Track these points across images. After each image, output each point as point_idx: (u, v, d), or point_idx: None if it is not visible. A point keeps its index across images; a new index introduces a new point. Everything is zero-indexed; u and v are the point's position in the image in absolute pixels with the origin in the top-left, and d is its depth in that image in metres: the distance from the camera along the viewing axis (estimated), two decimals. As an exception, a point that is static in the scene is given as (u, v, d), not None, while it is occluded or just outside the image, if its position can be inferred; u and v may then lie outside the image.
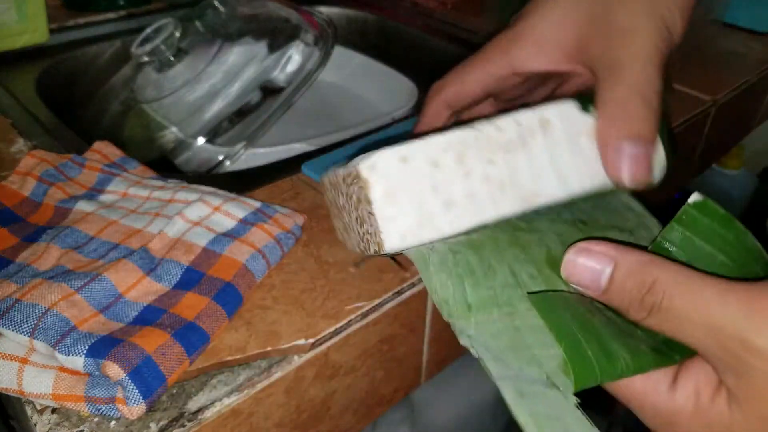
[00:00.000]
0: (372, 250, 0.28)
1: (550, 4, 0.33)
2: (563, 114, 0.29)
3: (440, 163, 0.27)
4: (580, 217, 0.32)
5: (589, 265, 0.26)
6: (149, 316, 0.31)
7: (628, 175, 0.29)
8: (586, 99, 0.30)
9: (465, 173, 0.27)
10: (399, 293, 0.35)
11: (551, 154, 0.28)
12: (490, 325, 0.28)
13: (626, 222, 0.33)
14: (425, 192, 0.27)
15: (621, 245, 0.26)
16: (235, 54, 0.59)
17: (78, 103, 0.65)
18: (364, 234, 0.29)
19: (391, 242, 0.27)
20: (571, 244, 0.27)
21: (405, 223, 0.27)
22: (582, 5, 0.32)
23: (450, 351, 0.42)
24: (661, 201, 0.65)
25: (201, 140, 0.54)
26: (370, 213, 0.27)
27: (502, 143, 0.28)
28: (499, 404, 0.79)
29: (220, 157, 0.54)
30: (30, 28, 0.62)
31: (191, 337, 0.30)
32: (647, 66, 0.29)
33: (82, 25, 0.70)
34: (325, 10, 0.81)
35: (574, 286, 0.28)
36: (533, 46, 0.33)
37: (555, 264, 0.29)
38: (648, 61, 0.29)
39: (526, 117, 0.28)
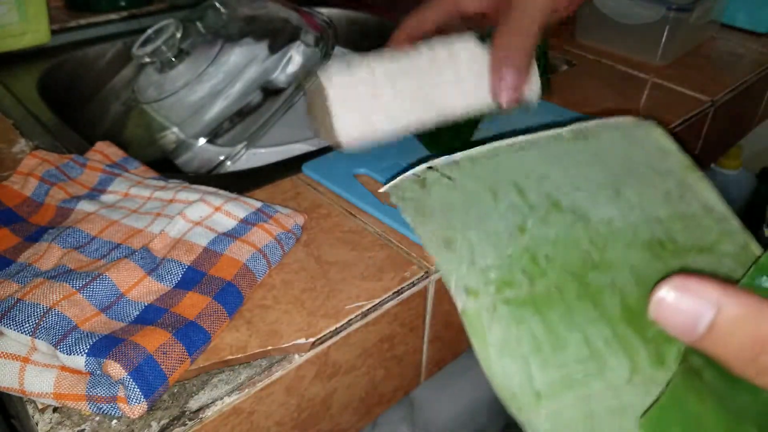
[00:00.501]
0: (333, 141, 0.38)
1: None
2: (467, 45, 0.37)
3: (375, 78, 0.36)
4: (658, 236, 0.28)
5: (684, 308, 0.21)
6: (150, 316, 0.31)
7: (505, 97, 0.38)
8: (487, 35, 0.38)
9: (393, 87, 0.36)
10: (399, 293, 0.35)
11: (456, 75, 0.37)
12: (564, 415, 0.24)
13: (709, 234, 0.29)
14: (365, 101, 0.36)
15: (725, 283, 0.21)
16: (235, 55, 0.59)
17: (79, 104, 0.66)
18: (323, 129, 0.38)
19: (343, 139, 0.37)
20: (657, 282, 0.22)
21: (352, 129, 0.37)
22: None
23: (449, 350, 0.42)
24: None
25: (202, 141, 0.55)
26: (329, 114, 0.36)
27: (420, 65, 0.36)
28: (498, 404, 0.79)
29: (221, 158, 0.54)
30: (31, 29, 0.62)
31: (192, 336, 0.30)
32: (531, 22, 0.38)
33: (83, 25, 0.70)
34: (325, 11, 0.81)
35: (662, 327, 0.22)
36: None
37: (632, 319, 0.25)
38: (532, 19, 0.38)
39: (438, 46, 0.37)
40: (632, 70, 0.65)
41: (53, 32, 0.66)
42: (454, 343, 0.42)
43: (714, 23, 0.76)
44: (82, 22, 0.70)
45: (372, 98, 0.36)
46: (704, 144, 0.64)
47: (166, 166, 0.55)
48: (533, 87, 0.39)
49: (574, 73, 0.65)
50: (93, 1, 0.72)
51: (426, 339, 0.39)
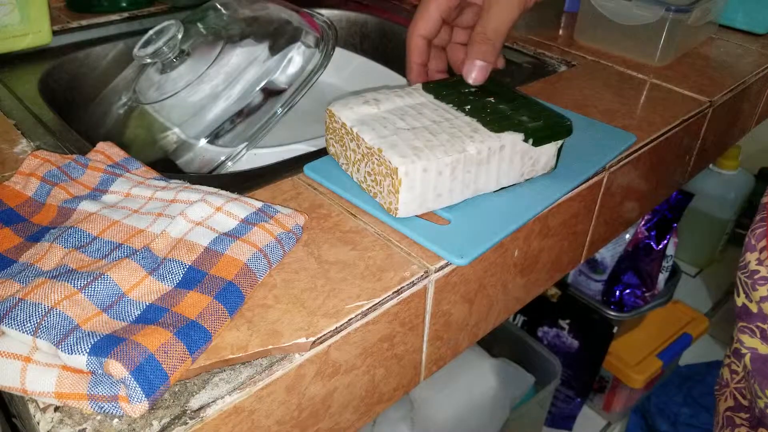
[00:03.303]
0: (385, 206, 0.41)
1: None
2: (513, 141, 0.41)
3: (442, 173, 0.39)
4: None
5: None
6: (152, 315, 0.31)
7: (473, 78, 0.46)
8: (528, 133, 0.42)
9: (453, 178, 0.40)
10: (399, 292, 0.35)
11: (498, 165, 0.41)
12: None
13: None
14: (429, 190, 0.39)
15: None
16: (236, 56, 0.59)
17: (81, 105, 0.66)
18: (376, 185, 0.40)
19: (401, 213, 0.39)
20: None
21: (411, 206, 0.39)
22: None
23: (449, 349, 0.43)
24: (660, 200, 0.65)
25: (203, 141, 0.55)
26: (394, 191, 0.39)
27: (478, 160, 0.40)
28: (497, 402, 0.80)
29: (222, 158, 0.54)
30: (33, 30, 0.63)
31: (193, 335, 0.30)
32: (504, 19, 0.45)
33: (85, 26, 0.70)
34: (325, 12, 0.81)
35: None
36: None
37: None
38: (506, 16, 0.45)
39: (493, 143, 0.40)
40: (631, 71, 0.66)
41: (55, 33, 0.67)
42: (453, 343, 0.43)
43: (712, 24, 0.76)
44: (84, 23, 0.70)
45: (434, 187, 0.39)
46: (702, 144, 0.64)
47: (168, 166, 0.56)
48: (549, 163, 0.45)
49: (572, 74, 0.65)
50: (94, 2, 0.72)
51: (426, 338, 0.40)
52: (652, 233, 0.98)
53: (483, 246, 0.38)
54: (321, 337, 0.32)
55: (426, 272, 0.37)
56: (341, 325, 0.33)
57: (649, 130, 0.54)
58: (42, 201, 0.40)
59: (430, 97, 0.45)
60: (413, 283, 0.36)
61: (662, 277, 1.04)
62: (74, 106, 0.66)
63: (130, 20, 0.72)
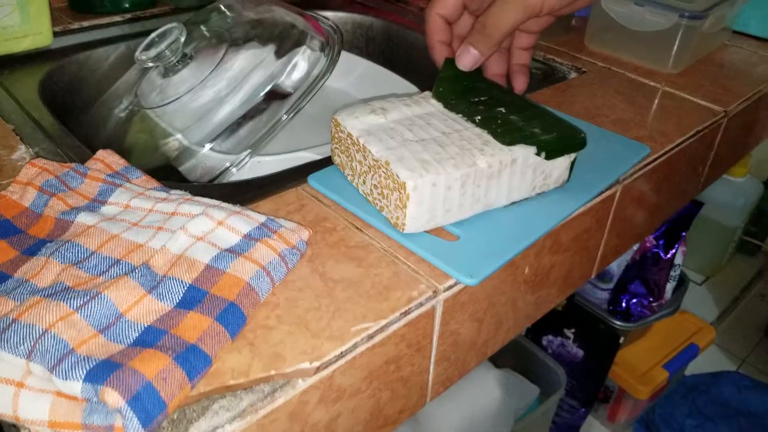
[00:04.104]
0: (392, 220, 0.39)
1: None
2: (525, 154, 0.40)
3: (452, 187, 0.38)
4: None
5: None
6: (150, 338, 0.30)
7: (461, 62, 0.47)
8: (540, 146, 0.40)
9: (462, 193, 0.38)
10: (406, 313, 0.34)
11: (509, 179, 0.40)
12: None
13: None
14: (437, 205, 0.38)
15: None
16: (240, 60, 0.58)
17: (82, 108, 0.65)
18: (383, 199, 0.39)
19: (408, 229, 0.38)
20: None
21: (419, 222, 0.38)
22: None
23: (456, 369, 0.41)
24: (672, 212, 0.64)
25: (205, 148, 0.54)
26: (401, 206, 0.37)
27: (488, 174, 0.39)
28: (501, 414, 0.79)
29: (225, 166, 0.53)
30: (34, 31, 0.62)
31: (193, 360, 0.29)
32: (506, 17, 0.44)
33: (86, 27, 0.69)
34: (330, 14, 0.80)
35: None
36: None
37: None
38: (510, 16, 0.44)
39: (505, 157, 0.39)
40: (643, 79, 0.64)
41: (56, 34, 0.65)
42: (461, 363, 0.41)
43: (726, 30, 0.75)
44: (85, 23, 0.69)
45: (443, 202, 0.38)
46: (716, 155, 0.63)
47: (169, 173, 0.54)
48: (562, 176, 0.43)
49: (583, 81, 0.63)
50: (96, 2, 0.71)
51: (433, 359, 0.38)
52: (661, 242, 0.97)
53: (494, 265, 0.37)
54: (325, 362, 0.31)
55: (434, 292, 0.35)
56: (347, 349, 0.32)
57: (662, 141, 0.52)
58: (39, 212, 0.39)
59: (440, 106, 0.44)
60: (421, 304, 0.35)
61: (670, 287, 1.03)
62: (75, 109, 0.64)
63: (133, 21, 0.71)
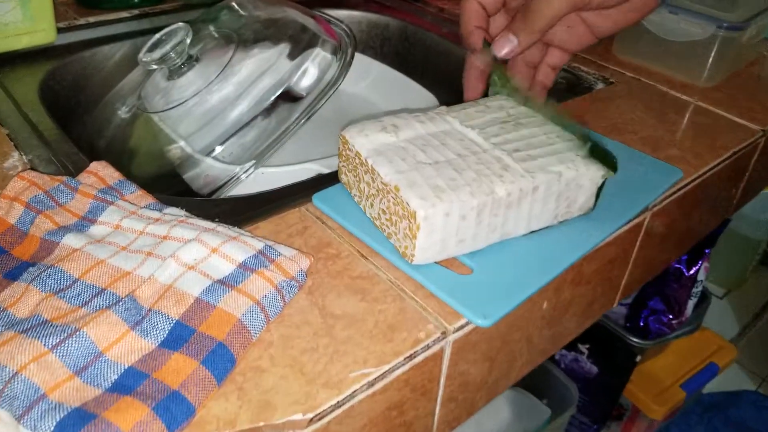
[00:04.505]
0: (400, 250, 0.36)
1: None
2: (548, 182, 0.37)
3: (467, 217, 0.35)
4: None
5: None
6: (129, 382, 0.27)
7: (499, 53, 0.44)
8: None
9: (478, 222, 0.35)
10: (411, 357, 0.31)
11: (530, 208, 0.37)
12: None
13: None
14: (450, 235, 0.35)
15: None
16: (248, 63, 0.55)
17: (84, 108, 0.62)
18: (390, 225, 0.36)
19: (417, 260, 0.35)
20: None
21: (429, 253, 0.35)
22: None
23: (464, 410, 0.38)
24: (701, 237, 0.60)
25: (208, 158, 0.51)
26: (411, 236, 0.35)
27: (507, 203, 0.36)
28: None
29: (228, 177, 0.51)
30: (36, 28, 0.59)
31: (174, 409, 0.26)
32: (549, 8, 0.42)
33: (92, 24, 0.67)
34: (345, 12, 0.77)
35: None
36: None
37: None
38: (553, 5, 0.42)
39: (526, 184, 0.36)
40: (675, 92, 0.61)
41: (61, 30, 0.63)
42: (469, 403, 0.39)
43: (764, 41, 0.70)
44: (91, 20, 0.66)
45: (456, 233, 0.35)
46: (750, 176, 0.59)
47: (173, 179, 0.52)
48: (587, 204, 0.40)
49: (610, 93, 0.60)
50: (104, -3, 0.69)
51: (439, 401, 0.36)
52: (683, 258, 0.93)
53: (510, 304, 0.34)
54: (320, 413, 0.28)
55: (443, 333, 0.32)
56: (344, 399, 0.29)
57: (695, 164, 0.49)
58: (25, 230, 0.36)
59: (456, 122, 0.41)
60: (428, 346, 0.32)
61: (691, 304, 0.99)
62: (77, 108, 0.62)
63: (140, 18, 0.69)
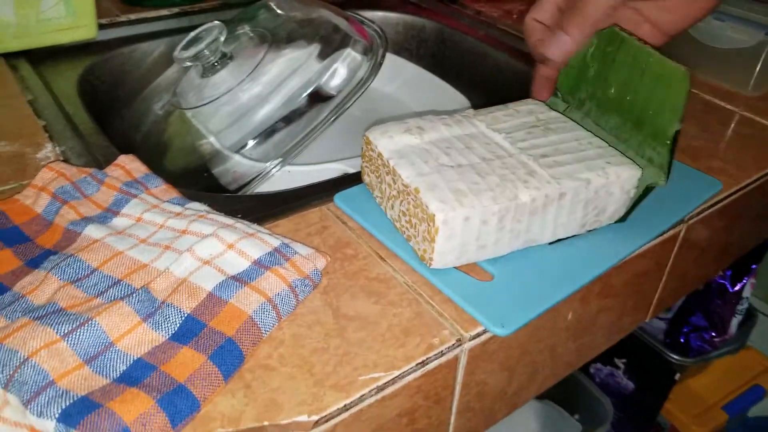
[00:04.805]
0: (419, 253, 0.36)
1: None
2: (576, 189, 0.35)
3: (488, 222, 0.34)
4: None
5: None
6: (137, 373, 0.27)
7: (553, 54, 0.42)
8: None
9: (500, 228, 0.34)
10: (423, 363, 0.30)
11: (556, 215, 0.36)
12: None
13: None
14: (471, 240, 0.34)
15: None
16: (280, 62, 0.55)
17: (121, 103, 0.64)
18: (410, 228, 0.36)
19: (436, 264, 0.34)
20: None
21: (448, 257, 0.34)
22: None
23: (482, 420, 0.37)
24: (743, 252, 0.58)
25: (237, 154, 0.51)
26: (429, 239, 0.34)
27: (531, 209, 0.35)
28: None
29: (255, 174, 0.51)
30: (78, 24, 0.61)
31: (179, 403, 0.26)
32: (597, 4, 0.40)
33: (133, 21, 0.68)
34: (382, 14, 0.77)
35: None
36: None
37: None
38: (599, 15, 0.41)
39: (551, 190, 0.34)
40: (719, 101, 0.58)
41: (103, 26, 0.64)
42: (488, 413, 0.37)
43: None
44: (133, 17, 0.68)
45: (477, 238, 0.34)
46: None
47: (202, 176, 0.53)
48: (617, 213, 0.39)
49: (651, 100, 0.58)
50: (147, -5, 0.70)
51: (454, 410, 0.35)
52: (728, 273, 0.89)
53: (530, 313, 0.33)
54: (326, 415, 0.28)
55: (459, 340, 0.32)
56: (352, 402, 0.28)
57: (737, 176, 0.46)
58: (50, 219, 0.37)
59: (482, 126, 0.40)
60: (442, 353, 0.31)
61: (735, 321, 0.95)
62: (115, 103, 0.63)
63: (180, 16, 0.70)
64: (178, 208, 0.37)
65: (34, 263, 0.34)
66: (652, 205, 0.40)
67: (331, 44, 0.54)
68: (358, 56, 0.53)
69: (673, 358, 0.92)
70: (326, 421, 0.28)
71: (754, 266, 0.89)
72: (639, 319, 0.47)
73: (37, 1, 0.57)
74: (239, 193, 0.50)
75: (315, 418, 0.27)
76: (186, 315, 0.30)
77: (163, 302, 0.31)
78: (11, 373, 0.26)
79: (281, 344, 0.31)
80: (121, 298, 0.30)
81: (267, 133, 0.51)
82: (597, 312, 0.40)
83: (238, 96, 0.54)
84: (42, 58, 0.59)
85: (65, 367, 0.27)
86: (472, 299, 0.33)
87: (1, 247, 0.34)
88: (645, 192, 0.38)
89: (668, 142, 0.37)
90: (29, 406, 0.25)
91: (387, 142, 0.37)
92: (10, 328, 0.28)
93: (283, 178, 0.51)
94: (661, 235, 0.40)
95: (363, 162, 0.40)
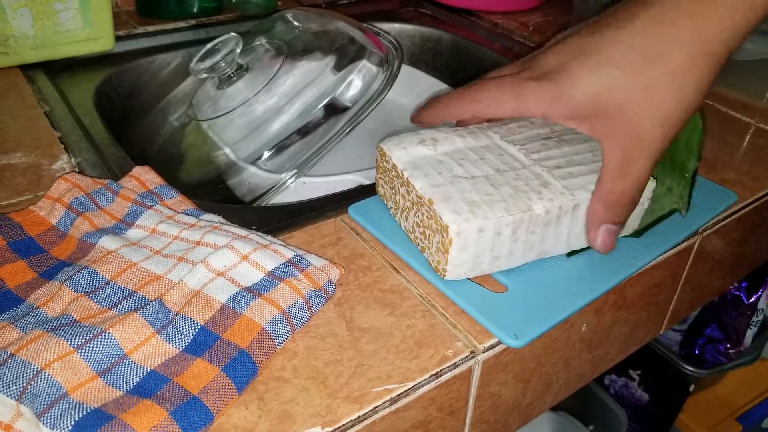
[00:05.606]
0: (432, 264, 0.36)
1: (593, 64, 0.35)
2: (589, 200, 0.35)
3: (501, 233, 0.34)
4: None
5: None
6: (150, 385, 0.28)
7: (600, 246, 0.36)
8: None
9: (514, 240, 0.34)
10: (437, 375, 0.30)
11: (569, 227, 0.36)
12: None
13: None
14: (484, 251, 0.34)
15: None
16: (296, 73, 0.56)
17: (137, 114, 0.64)
18: (424, 239, 0.36)
19: (450, 276, 0.34)
20: None
21: (462, 269, 0.34)
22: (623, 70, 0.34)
23: (496, 431, 0.37)
24: (758, 264, 0.57)
25: (252, 166, 0.51)
26: (443, 251, 0.34)
27: (545, 220, 0.34)
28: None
29: (271, 185, 0.51)
30: (95, 35, 0.61)
31: (192, 415, 0.26)
32: (633, 163, 0.34)
33: (150, 32, 0.69)
34: (398, 26, 0.77)
35: None
36: (553, 102, 0.38)
37: None
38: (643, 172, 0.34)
39: (565, 201, 0.34)
40: (734, 112, 0.58)
41: (119, 38, 0.65)
42: (501, 425, 0.37)
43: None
44: (150, 29, 0.69)
45: (491, 249, 0.34)
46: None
47: (217, 187, 0.53)
48: (632, 224, 0.38)
49: (666, 111, 0.57)
50: (164, 7, 0.71)
51: (468, 422, 0.34)
52: (743, 284, 0.88)
53: (544, 325, 0.33)
54: (340, 427, 0.27)
55: (472, 352, 0.31)
56: (365, 414, 0.28)
57: (752, 187, 0.46)
58: (65, 231, 0.37)
59: (497, 137, 0.40)
60: (456, 365, 0.31)
61: (750, 333, 0.94)
62: (131, 114, 0.64)
63: (197, 28, 0.70)
64: (192, 220, 0.37)
65: (48, 275, 0.34)
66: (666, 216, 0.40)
67: (346, 56, 0.54)
68: (374, 68, 0.53)
69: (688, 369, 0.91)
70: (339, 433, 0.28)
71: (770, 277, 0.88)
72: (654, 331, 0.46)
73: (54, 12, 0.58)
74: (254, 205, 0.50)
75: (328, 430, 0.27)
76: (199, 327, 0.30)
77: (176, 314, 0.31)
78: (24, 385, 0.26)
79: (295, 356, 0.31)
80: (135, 310, 0.30)
81: (282, 144, 0.52)
82: (611, 324, 0.40)
83: (253, 107, 0.54)
84: (59, 69, 0.60)
85: (78, 379, 0.27)
86: (486, 311, 0.33)
87: (16, 259, 0.35)
88: (668, 213, 0.38)
89: (687, 175, 0.38)
90: (42, 419, 0.25)
91: (401, 153, 0.37)
92: (24, 339, 0.28)
93: (297, 189, 0.51)
94: (676, 246, 0.40)
95: (377, 173, 0.40)
